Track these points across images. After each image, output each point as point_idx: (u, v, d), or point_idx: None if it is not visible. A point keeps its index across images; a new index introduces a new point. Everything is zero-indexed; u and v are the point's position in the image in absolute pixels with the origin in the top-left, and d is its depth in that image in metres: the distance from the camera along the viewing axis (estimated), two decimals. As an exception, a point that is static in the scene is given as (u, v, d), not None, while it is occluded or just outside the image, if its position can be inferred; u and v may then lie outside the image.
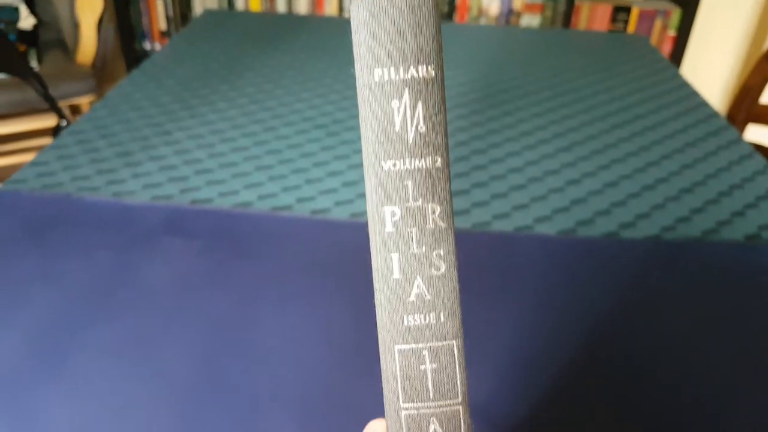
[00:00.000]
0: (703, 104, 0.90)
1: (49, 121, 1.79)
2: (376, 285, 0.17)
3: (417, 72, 0.18)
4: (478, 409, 0.43)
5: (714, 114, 0.87)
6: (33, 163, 0.72)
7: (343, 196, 0.67)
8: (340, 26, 1.20)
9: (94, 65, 1.80)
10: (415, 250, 0.17)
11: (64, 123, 1.27)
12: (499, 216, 0.64)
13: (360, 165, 0.73)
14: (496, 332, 0.49)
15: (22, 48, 1.77)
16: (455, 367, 0.17)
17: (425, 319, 0.17)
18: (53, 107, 1.20)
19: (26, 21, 1.79)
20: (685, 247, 0.60)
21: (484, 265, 0.57)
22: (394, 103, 0.18)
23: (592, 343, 0.48)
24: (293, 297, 0.52)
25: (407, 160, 0.17)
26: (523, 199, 0.67)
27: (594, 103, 0.90)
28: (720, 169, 0.74)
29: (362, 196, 0.67)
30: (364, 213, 0.64)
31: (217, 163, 0.73)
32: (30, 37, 1.80)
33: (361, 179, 0.70)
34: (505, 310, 0.52)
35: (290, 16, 1.29)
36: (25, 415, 0.42)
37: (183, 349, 0.47)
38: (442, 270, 0.17)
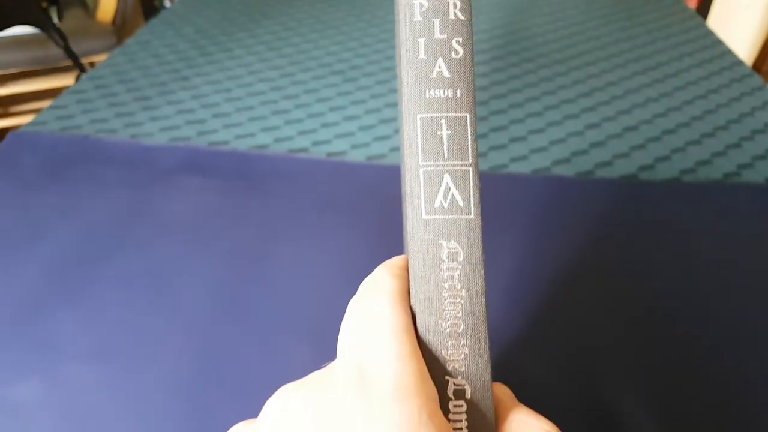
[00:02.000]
0: (728, 52, 0.88)
1: (70, 79, 1.81)
2: (404, 65, 0.20)
3: None
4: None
5: (738, 62, 0.85)
6: (52, 107, 0.73)
7: (360, 140, 0.67)
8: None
9: (114, 22, 1.80)
10: (438, 36, 0.20)
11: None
12: (517, 159, 0.63)
13: (377, 110, 0.72)
14: (515, 269, 0.49)
15: (43, 5, 1.77)
16: (467, 135, 0.20)
17: (443, 93, 0.20)
18: (74, 60, 1.20)
19: (46, -22, 1.79)
20: (705, 189, 0.59)
21: (500, 206, 0.56)
22: None
23: (610, 282, 0.48)
24: (308, 233, 0.53)
25: None
26: (542, 142, 0.66)
27: (615, 51, 0.88)
28: (743, 114, 0.72)
29: (378, 139, 0.67)
30: (380, 156, 0.64)
31: (234, 107, 0.73)
32: (50, -6, 1.80)
33: (378, 123, 0.70)
34: (522, 248, 0.51)
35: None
36: (45, 340, 0.43)
37: (199, 280, 0.48)
38: (461, 54, 0.20)
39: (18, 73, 1.77)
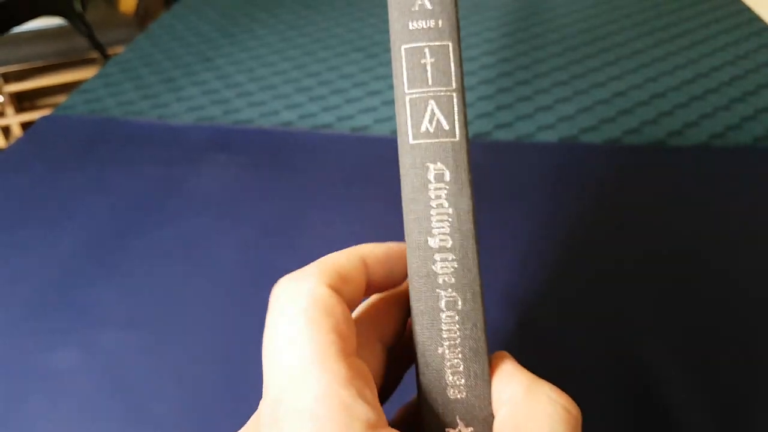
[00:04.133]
0: (755, 19, 0.86)
1: (94, 71, 1.83)
2: (390, 2, 0.21)
3: None
4: (496, 290, 0.43)
5: (766, 28, 0.83)
6: (79, 91, 0.74)
7: (383, 114, 0.67)
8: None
9: (136, 13, 1.82)
10: None
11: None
12: (544, 127, 0.63)
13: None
14: (543, 234, 0.49)
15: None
16: (450, 63, 0.21)
17: (425, 24, 0.21)
18: (99, 50, 1.22)
19: (69, -30, 1.81)
20: (735, 152, 0.58)
21: (525, 174, 0.56)
22: None
23: (639, 244, 0.48)
24: (337, 203, 0.53)
25: None
26: (569, 111, 0.66)
27: (640, 20, 0.87)
28: (774, 78, 0.71)
29: (403, 112, 0.67)
30: (405, 128, 0.64)
31: (258, 86, 0.73)
32: (73, -13, 1.82)
33: (402, 97, 0.70)
34: (548, 214, 0.51)
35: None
36: (83, 309, 0.44)
37: (232, 249, 0.48)
38: None
39: (42, 66, 1.80)
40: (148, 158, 0.59)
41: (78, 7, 1.66)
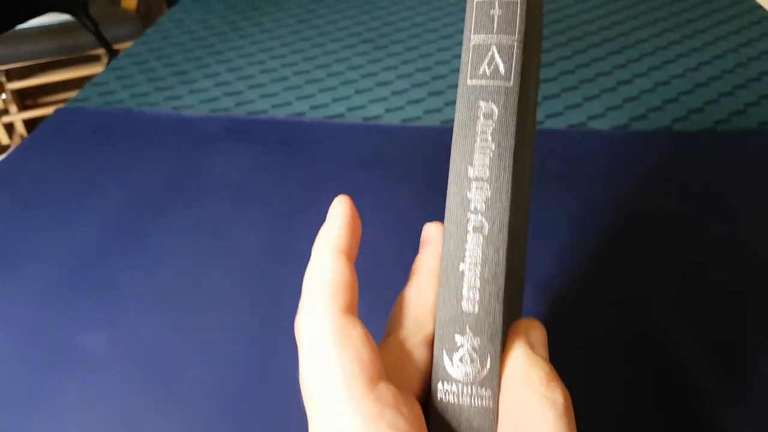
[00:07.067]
0: (756, 7, 0.88)
1: (99, 67, 1.84)
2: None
3: None
4: (533, 280, 0.44)
5: (767, 16, 0.85)
6: (93, 83, 0.75)
7: (394, 104, 0.68)
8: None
9: (138, 9, 1.83)
10: None
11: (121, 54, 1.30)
12: (552, 115, 0.64)
13: (408, 75, 0.73)
14: (555, 218, 0.50)
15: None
16: (516, 15, 0.22)
17: None
18: (104, 45, 1.23)
19: (71, -32, 1.81)
20: (740, 137, 0.60)
21: (537, 161, 0.57)
22: None
23: (647, 227, 0.49)
24: (352, 188, 0.54)
25: None
26: (576, 99, 0.67)
27: (643, 9, 0.88)
28: (776, 65, 0.72)
29: (412, 102, 0.68)
30: (415, 118, 0.65)
31: (269, 78, 0.74)
32: (75, -16, 1.82)
33: (411, 87, 0.71)
34: (562, 199, 0.52)
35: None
36: (107, 290, 0.45)
37: (250, 230, 0.50)
38: None
39: (44, 63, 1.81)
40: (165, 146, 0.61)
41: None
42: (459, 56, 0.77)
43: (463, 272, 0.22)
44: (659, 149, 0.58)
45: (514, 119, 0.22)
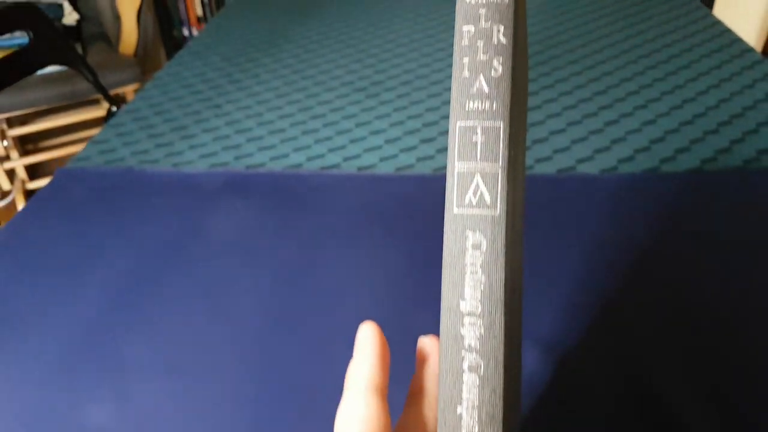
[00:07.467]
0: (737, 40, 0.90)
1: (97, 111, 1.86)
2: (453, 83, 0.23)
3: None
4: (531, 335, 0.46)
5: (748, 48, 0.87)
6: (94, 141, 0.77)
7: (387, 152, 0.70)
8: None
9: (136, 54, 1.86)
10: (481, 57, 0.23)
11: (114, 109, 1.33)
12: (542, 159, 0.66)
13: (401, 122, 0.76)
14: (545, 269, 0.52)
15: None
16: (499, 142, 0.22)
17: (481, 106, 0.23)
18: (104, 93, 1.25)
19: (70, 17, 1.85)
20: (727, 176, 0.61)
21: (529, 206, 0.59)
22: None
23: (640, 271, 0.51)
24: (349, 243, 0.56)
25: None
26: (564, 142, 0.69)
27: (626, 47, 0.90)
28: (758, 100, 0.74)
29: (405, 150, 0.70)
30: (408, 166, 0.67)
31: (267, 130, 0.76)
32: (74, 33, 1.86)
33: (404, 135, 0.73)
34: (552, 246, 0.54)
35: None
36: (111, 361, 0.46)
37: (252, 294, 0.51)
38: (500, 72, 0.23)
39: (45, 109, 1.84)
40: (166, 207, 0.62)
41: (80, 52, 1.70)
42: (449, 102, 0.80)
43: (461, 415, 0.22)
44: (648, 192, 0.60)
45: (503, 250, 0.22)
